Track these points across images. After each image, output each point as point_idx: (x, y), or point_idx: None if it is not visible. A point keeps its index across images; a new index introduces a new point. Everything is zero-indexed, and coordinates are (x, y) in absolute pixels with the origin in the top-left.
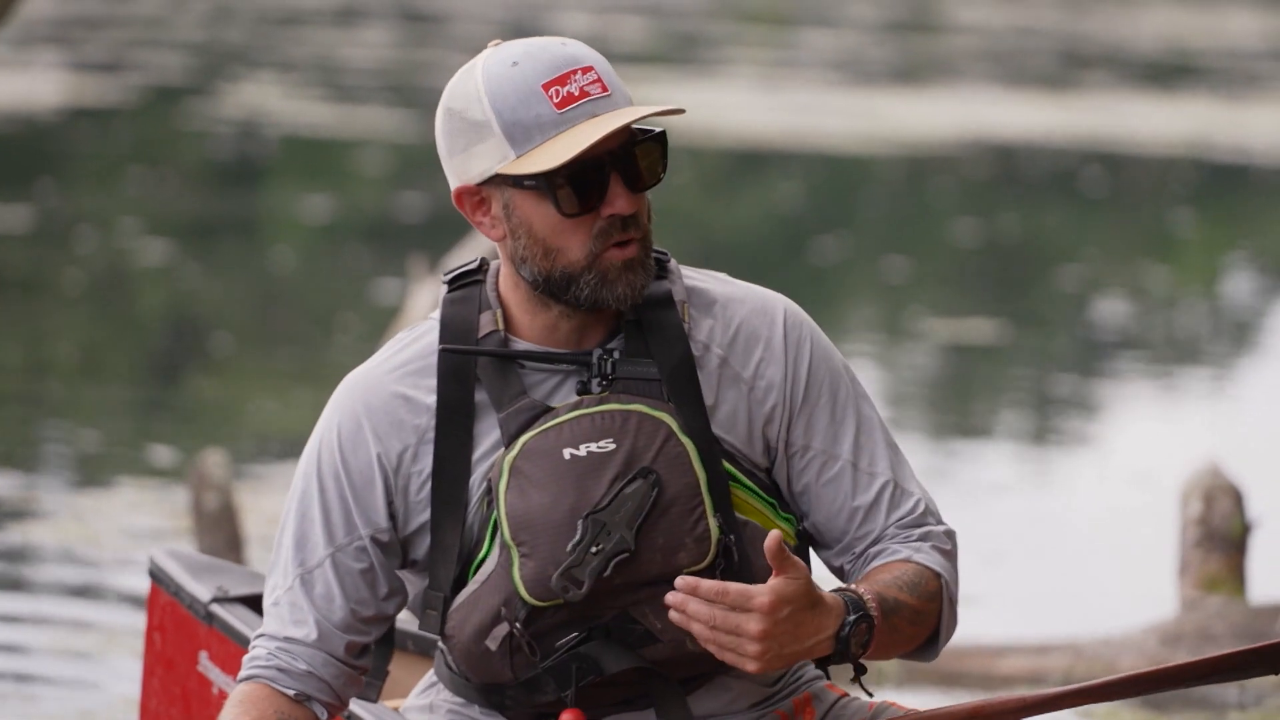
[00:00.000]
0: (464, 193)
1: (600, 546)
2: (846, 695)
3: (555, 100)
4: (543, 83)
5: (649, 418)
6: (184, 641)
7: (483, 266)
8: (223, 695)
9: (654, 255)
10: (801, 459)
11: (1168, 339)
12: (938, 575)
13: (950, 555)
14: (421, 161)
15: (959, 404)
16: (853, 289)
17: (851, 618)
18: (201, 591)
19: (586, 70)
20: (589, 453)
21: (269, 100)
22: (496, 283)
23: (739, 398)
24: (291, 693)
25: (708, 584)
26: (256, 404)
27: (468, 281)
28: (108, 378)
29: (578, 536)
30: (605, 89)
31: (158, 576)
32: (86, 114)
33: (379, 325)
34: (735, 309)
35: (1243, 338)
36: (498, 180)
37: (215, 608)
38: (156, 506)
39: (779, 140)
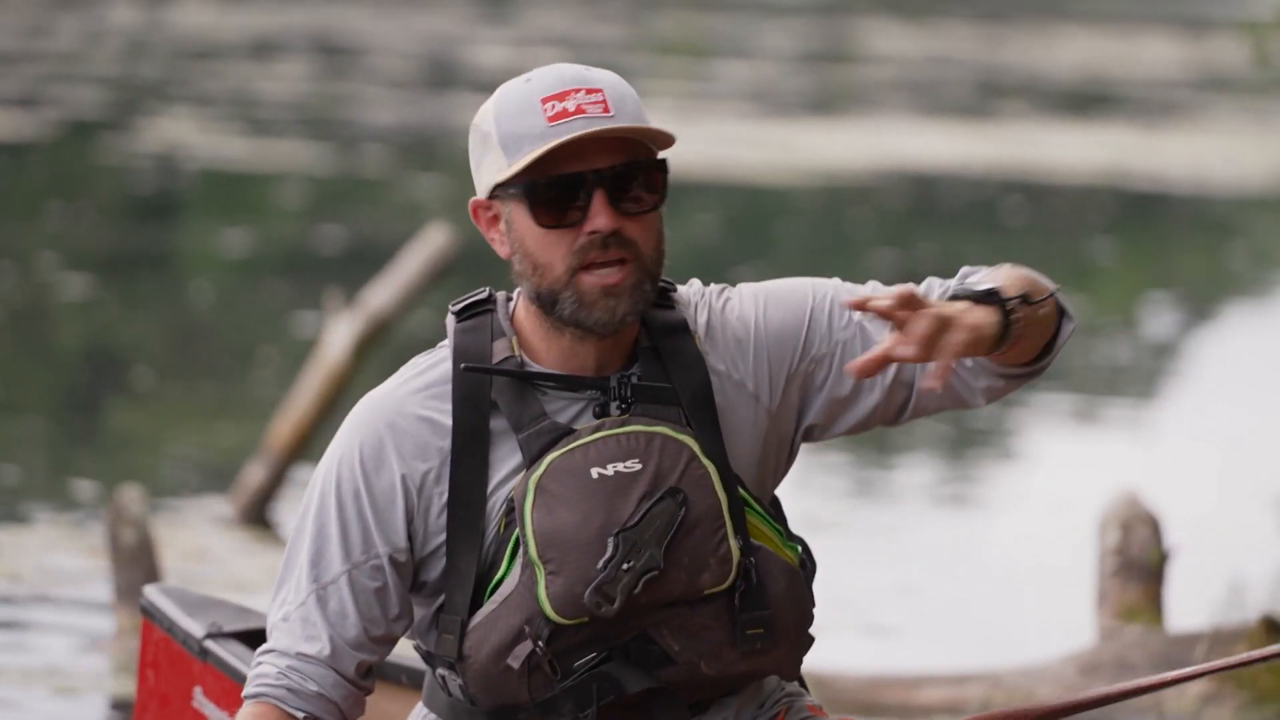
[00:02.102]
0: (477, 207)
1: (631, 564)
2: (820, 712)
3: (549, 114)
4: (542, 96)
5: (673, 440)
6: (178, 678)
7: (491, 297)
8: None
9: (660, 285)
10: (829, 366)
11: (1086, 368)
12: (1027, 274)
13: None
14: (339, 194)
15: (877, 433)
16: None
17: (1007, 301)
18: (195, 628)
19: (592, 90)
20: (616, 472)
21: (186, 134)
22: (510, 311)
23: (745, 402)
24: (301, 715)
25: (877, 301)
26: (176, 437)
27: (477, 311)
28: (26, 411)
29: (609, 553)
30: (607, 110)
31: (150, 613)
32: (3, 149)
33: (297, 359)
34: (715, 317)
35: (1161, 367)
36: (499, 193)
37: (210, 643)
38: (74, 541)
39: (696, 171)
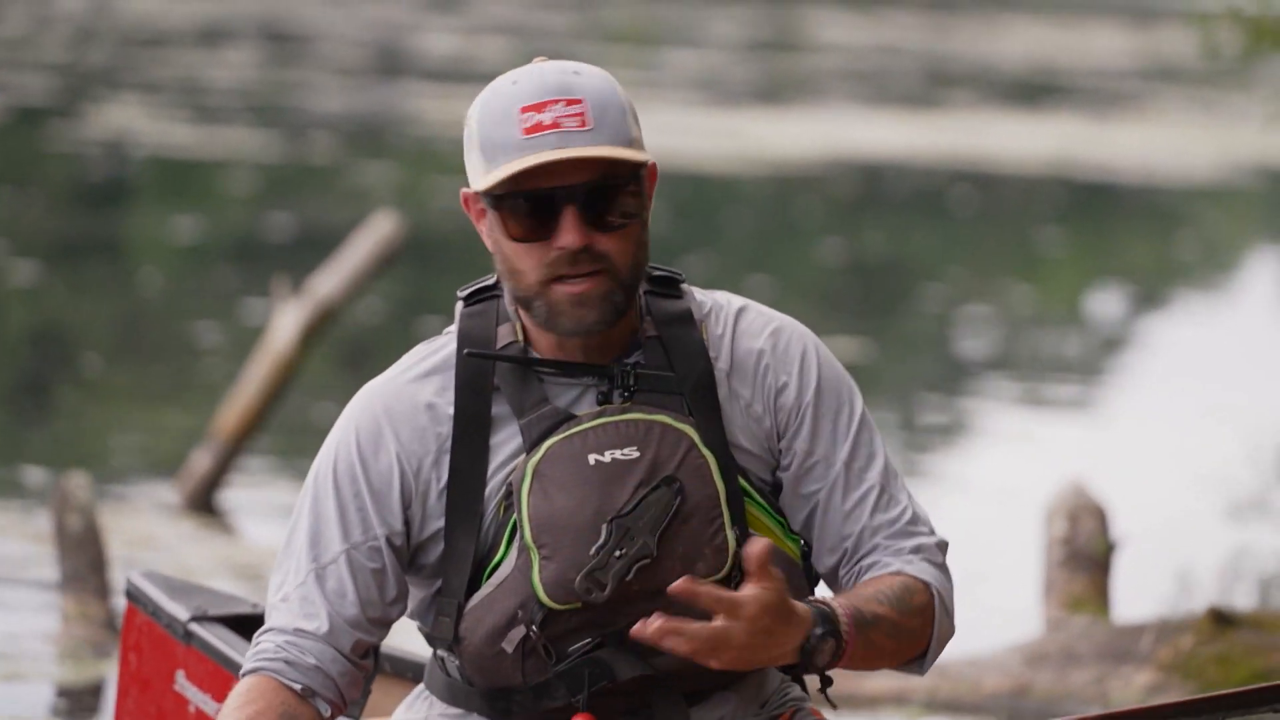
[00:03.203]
0: (467, 198)
1: (624, 551)
2: (822, 718)
3: (524, 126)
4: (521, 106)
5: (672, 429)
6: (161, 661)
7: (499, 283)
8: (200, 714)
9: (665, 276)
10: (787, 455)
11: (1033, 358)
12: (928, 586)
13: (942, 566)
14: (288, 181)
15: None
16: None
17: (818, 631)
18: (180, 611)
19: (573, 102)
20: (613, 459)
21: (134, 121)
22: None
23: (748, 411)
24: (297, 687)
25: (706, 591)
26: (123, 424)
27: (485, 296)
28: None
29: (602, 540)
30: (585, 124)
31: (135, 597)
32: None
33: (246, 345)
34: (738, 325)
35: (1107, 356)
36: (481, 195)
37: (194, 627)
38: (21, 528)
39: None
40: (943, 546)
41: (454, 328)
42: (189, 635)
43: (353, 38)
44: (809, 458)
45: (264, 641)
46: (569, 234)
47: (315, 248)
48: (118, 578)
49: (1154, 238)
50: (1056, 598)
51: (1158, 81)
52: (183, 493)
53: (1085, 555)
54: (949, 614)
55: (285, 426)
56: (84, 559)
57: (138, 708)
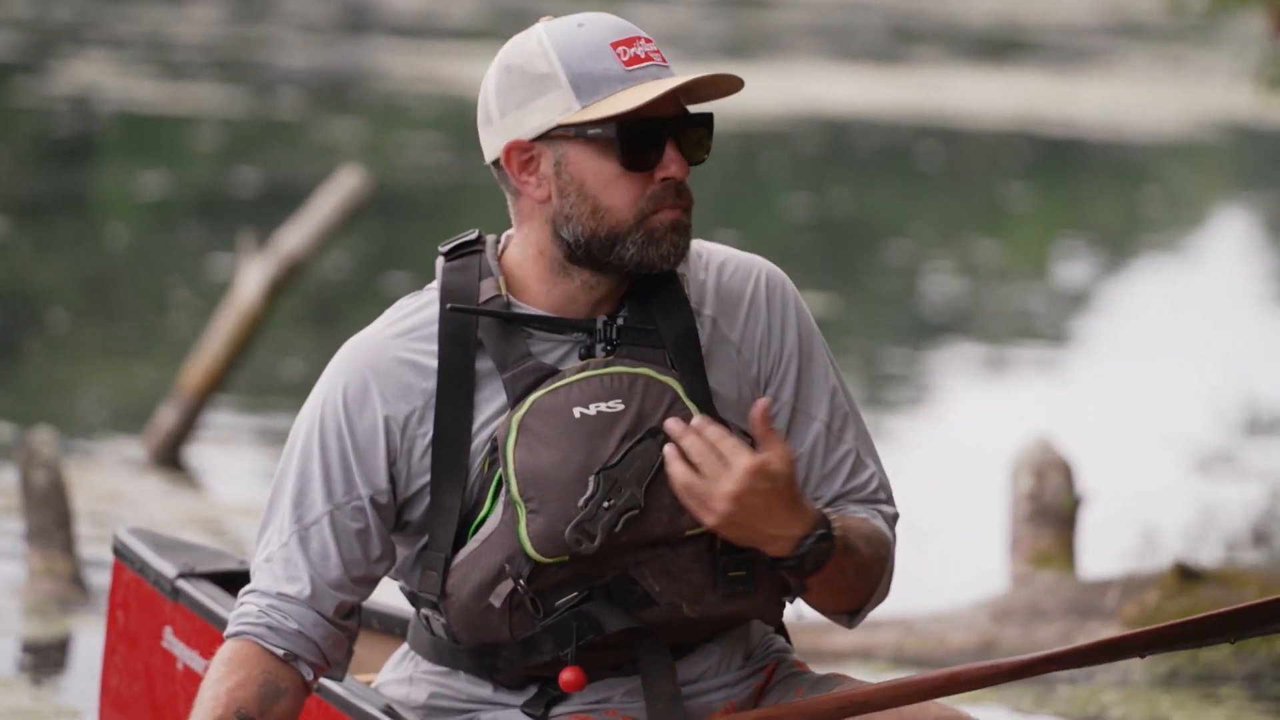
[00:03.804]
0: (514, 149)
1: (612, 502)
2: (805, 668)
3: (624, 58)
4: (610, 41)
5: (656, 381)
6: (148, 618)
7: (480, 238)
8: (187, 670)
9: None
10: (773, 406)
11: (999, 314)
12: (888, 544)
13: (894, 537)
14: (254, 137)
15: None
16: None
17: (819, 532)
18: (167, 568)
19: (648, 40)
20: (598, 412)
21: (100, 77)
22: (498, 253)
23: (729, 359)
24: (280, 652)
25: (714, 429)
26: (90, 380)
27: (466, 251)
28: None
29: (590, 491)
30: (665, 61)
31: (122, 553)
32: None
33: (213, 301)
34: (723, 272)
35: (1073, 313)
36: (555, 135)
37: (182, 583)
38: None
39: None
40: (896, 519)
41: (436, 283)
42: (176, 592)
43: None
44: (794, 412)
45: (247, 603)
46: (675, 163)
47: (282, 203)
48: (84, 533)
49: (1120, 194)
50: (1022, 553)
51: (1124, 38)
52: (149, 448)
53: (1051, 511)
54: (890, 580)
55: (251, 382)
56: (50, 515)
57: (125, 664)
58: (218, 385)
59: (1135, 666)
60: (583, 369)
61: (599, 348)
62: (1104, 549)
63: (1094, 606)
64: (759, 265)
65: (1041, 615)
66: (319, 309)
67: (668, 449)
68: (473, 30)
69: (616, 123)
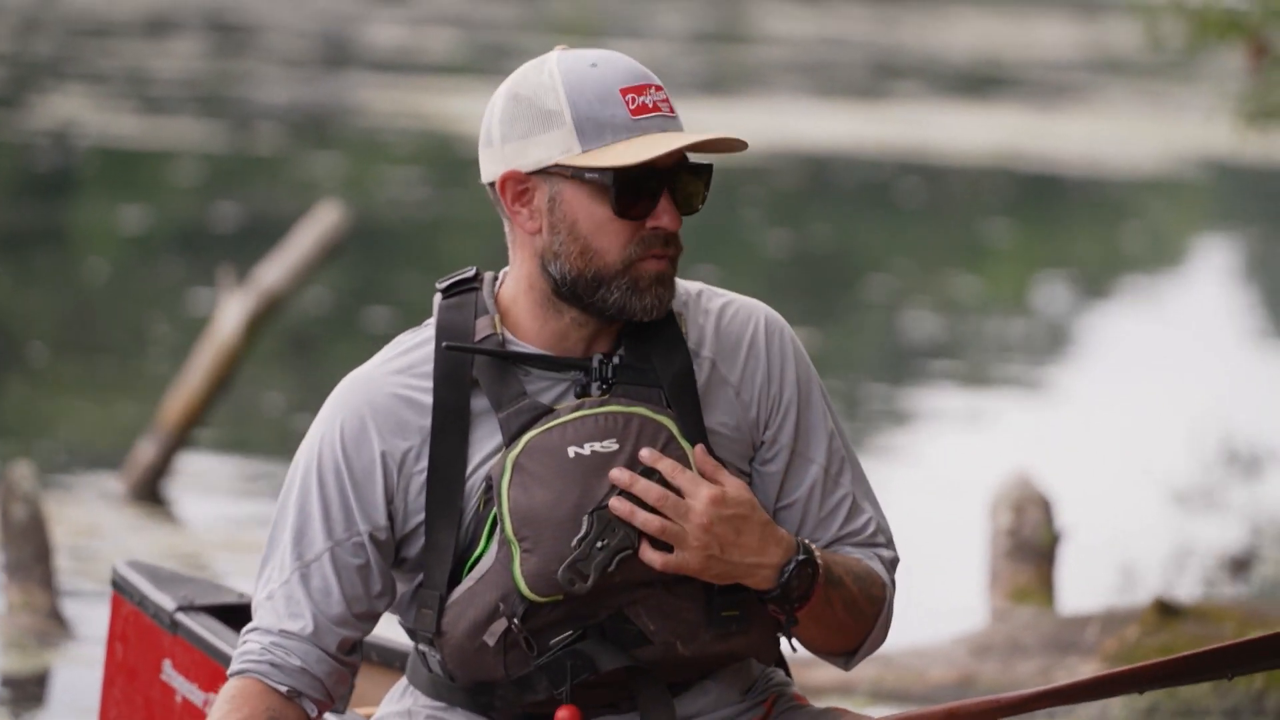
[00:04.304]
0: (510, 179)
1: (605, 542)
2: (805, 702)
3: (631, 106)
4: (621, 87)
5: (651, 421)
6: (147, 651)
7: (478, 275)
8: (186, 703)
9: None
10: (771, 448)
11: (978, 349)
12: (884, 585)
13: (894, 582)
14: (234, 172)
15: None
16: None
17: (800, 557)
18: (166, 601)
19: (659, 88)
20: (593, 452)
21: (80, 112)
22: (495, 290)
23: (728, 400)
24: (284, 689)
25: (668, 460)
26: (69, 414)
27: (463, 289)
28: None
29: (583, 531)
30: (672, 112)
31: (121, 586)
32: None
33: (192, 335)
34: (723, 316)
35: (1053, 348)
36: (552, 172)
37: (181, 616)
38: None
39: None
40: (895, 564)
41: (432, 320)
42: (175, 625)
43: (298, 28)
44: (793, 455)
45: (250, 642)
46: (667, 215)
47: (261, 238)
48: (63, 566)
49: (1099, 229)
50: (1001, 589)
51: (1103, 73)
52: (128, 482)
53: (1030, 546)
54: (888, 624)
55: (230, 416)
56: (29, 548)
57: (124, 697)
58: (197, 420)
59: (1115, 703)
60: (577, 408)
61: (594, 386)
62: (1083, 584)
63: (1073, 642)
64: (759, 310)
65: (1021, 650)
66: (298, 344)
67: (614, 502)
68: (453, 65)
69: (614, 173)
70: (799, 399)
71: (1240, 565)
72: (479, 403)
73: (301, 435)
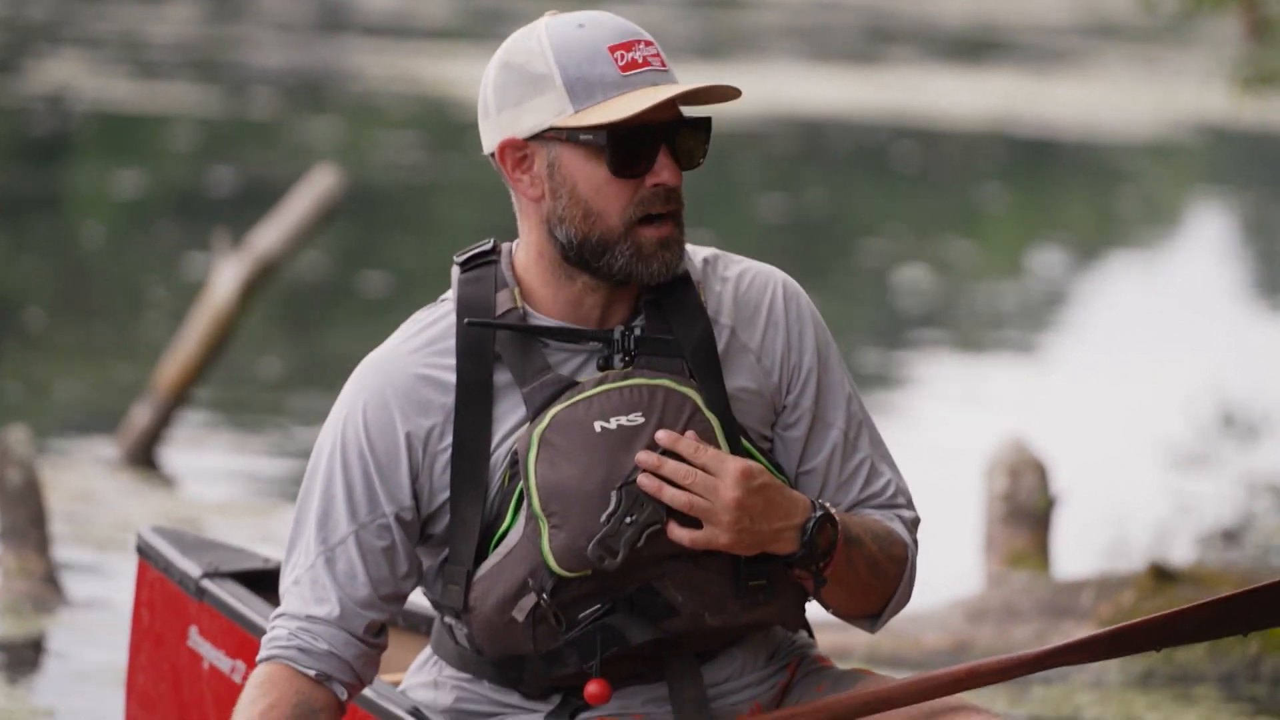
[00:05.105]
0: (508, 147)
1: (634, 517)
2: (829, 664)
3: (620, 63)
4: (609, 45)
5: (675, 392)
6: (173, 617)
7: (495, 248)
8: (213, 670)
9: None
10: (793, 413)
11: (973, 314)
12: (906, 545)
13: (916, 541)
14: (229, 136)
15: None
16: None
17: (817, 514)
18: (192, 567)
19: (649, 44)
20: (619, 426)
21: (76, 77)
22: (512, 262)
23: (749, 365)
24: (312, 673)
25: (686, 439)
26: (66, 379)
27: (482, 262)
28: None
29: (612, 506)
30: (664, 65)
31: (146, 553)
32: None
33: (188, 300)
34: (740, 283)
35: (1048, 313)
36: (548, 136)
37: (206, 583)
38: None
39: None
40: (916, 523)
41: (451, 294)
42: (201, 591)
43: None
44: (814, 420)
45: (278, 627)
46: (666, 171)
47: (257, 203)
48: (58, 532)
49: (1094, 194)
50: (997, 553)
51: (1098, 38)
52: (123, 447)
53: (1026, 511)
54: (911, 583)
55: (225, 381)
56: (24, 514)
57: (151, 663)
58: (192, 384)
59: (1110, 667)
60: (601, 381)
61: (617, 358)
62: (1079, 549)
63: (1069, 607)
64: (775, 276)
65: (1016, 615)
66: (294, 309)
67: (642, 479)
68: (448, 30)
69: (607, 130)
70: (819, 364)
71: (1235, 531)
72: (501, 377)
73: (297, 402)
